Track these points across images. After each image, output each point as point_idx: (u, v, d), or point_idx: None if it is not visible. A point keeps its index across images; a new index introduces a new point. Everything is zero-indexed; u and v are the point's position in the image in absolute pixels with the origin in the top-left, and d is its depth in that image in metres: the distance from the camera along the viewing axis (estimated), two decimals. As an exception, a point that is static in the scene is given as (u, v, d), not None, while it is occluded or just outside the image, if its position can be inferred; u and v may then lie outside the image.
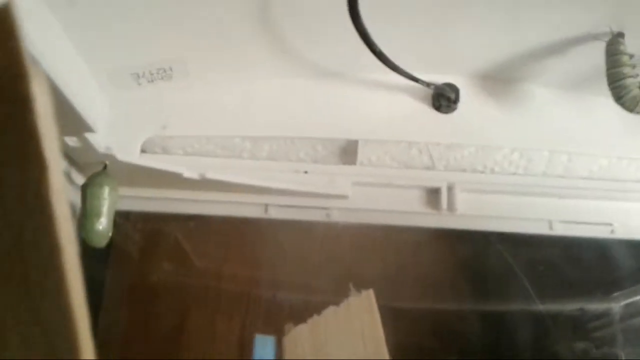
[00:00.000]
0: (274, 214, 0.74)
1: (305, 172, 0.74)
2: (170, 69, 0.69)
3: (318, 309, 0.69)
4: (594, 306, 0.96)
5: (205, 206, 0.74)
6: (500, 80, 0.77)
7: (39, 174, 0.26)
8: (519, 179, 0.76)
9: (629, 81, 0.63)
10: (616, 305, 0.96)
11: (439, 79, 0.76)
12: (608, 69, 0.65)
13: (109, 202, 0.60)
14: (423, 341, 0.81)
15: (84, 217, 0.59)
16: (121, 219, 0.83)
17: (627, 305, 0.96)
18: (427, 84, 0.71)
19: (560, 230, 0.75)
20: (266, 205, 0.74)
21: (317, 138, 0.76)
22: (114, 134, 0.69)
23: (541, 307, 0.94)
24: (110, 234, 0.61)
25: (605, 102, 0.67)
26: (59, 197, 0.26)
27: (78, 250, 0.28)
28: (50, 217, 0.26)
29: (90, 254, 0.79)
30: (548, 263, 0.92)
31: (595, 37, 0.66)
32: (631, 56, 0.64)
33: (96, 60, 0.63)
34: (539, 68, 0.74)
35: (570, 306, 0.96)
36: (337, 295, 0.71)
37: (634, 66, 0.64)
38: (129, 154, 0.70)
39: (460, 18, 0.66)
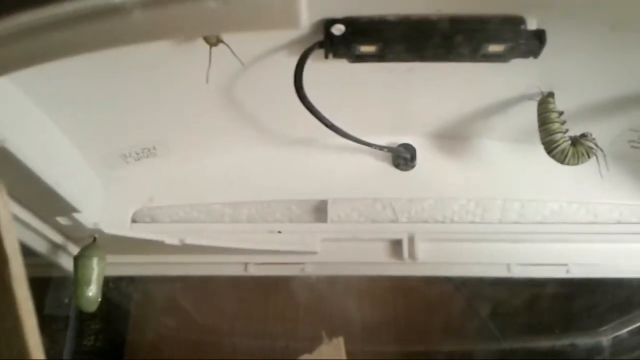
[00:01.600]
0: (253, 271, 0.82)
1: (279, 232, 0.82)
2: (154, 148, 0.78)
3: (294, 358, 0.76)
4: (584, 340, 0.99)
5: (190, 268, 0.82)
6: (453, 137, 0.84)
7: (1, 266, 0.34)
8: (477, 226, 0.82)
9: (558, 136, 0.70)
10: (605, 339, 1.00)
11: (398, 139, 0.84)
12: (540, 126, 0.72)
13: (97, 271, 0.68)
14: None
15: (75, 286, 0.68)
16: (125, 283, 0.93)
17: (615, 337, 1.00)
18: (381, 148, 0.79)
19: (518, 272, 0.81)
20: (246, 264, 0.82)
21: (291, 200, 0.84)
22: (108, 207, 0.79)
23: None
24: (99, 299, 0.69)
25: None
26: (19, 283, 0.35)
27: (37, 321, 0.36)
28: (13, 299, 0.34)
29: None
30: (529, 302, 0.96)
31: (529, 97, 0.73)
32: (560, 113, 0.71)
33: (88, 146, 0.73)
34: (488, 124, 0.81)
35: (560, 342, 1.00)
36: (313, 344, 0.78)
37: (563, 122, 0.71)
38: (121, 225, 0.79)
39: (410, 88, 0.73)
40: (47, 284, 0.82)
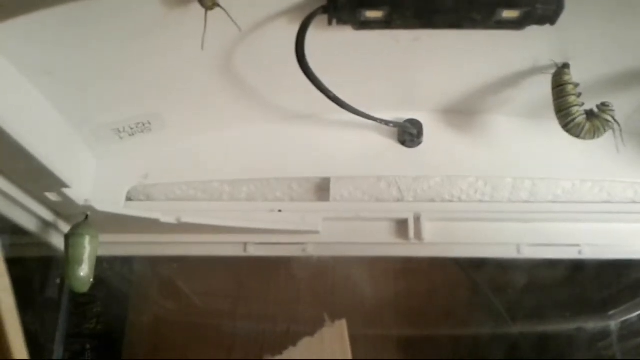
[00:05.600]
0: (253, 251, 0.79)
1: (280, 210, 0.79)
2: (149, 122, 0.75)
3: (295, 340, 0.73)
4: (592, 324, 0.97)
5: (187, 248, 0.79)
6: (462, 112, 0.81)
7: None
8: (486, 205, 0.79)
9: (574, 109, 0.67)
10: (614, 323, 0.97)
11: (404, 115, 0.80)
12: (555, 99, 0.68)
13: (89, 250, 0.65)
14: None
15: (66, 265, 0.65)
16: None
17: (624, 321, 0.97)
18: (387, 123, 0.75)
19: (528, 253, 0.77)
20: (245, 244, 0.79)
21: (292, 178, 0.81)
22: (101, 184, 0.76)
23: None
24: (91, 280, 0.66)
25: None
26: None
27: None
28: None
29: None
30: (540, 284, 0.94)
31: (542, 69, 0.70)
32: (576, 85, 0.67)
33: (79, 120, 0.70)
34: (497, 99, 0.77)
35: (568, 326, 0.97)
36: (315, 326, 0.75)
37: (578, 95, 0.67)
38: (115, 202, 0.76)
39: (417, 59, 0.70)
40: (38, 264, 0.79)
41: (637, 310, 0.95)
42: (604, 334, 0.95)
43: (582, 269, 0.89)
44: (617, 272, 0.91)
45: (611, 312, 0.97)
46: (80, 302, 0.89)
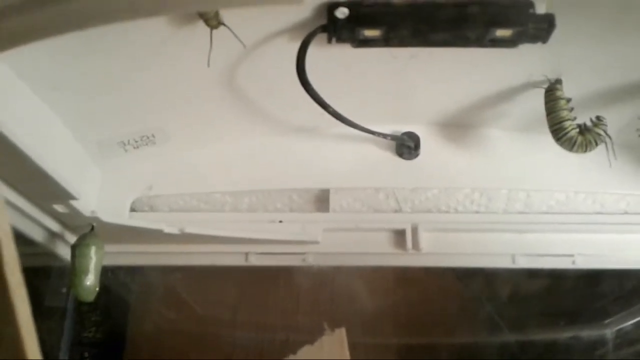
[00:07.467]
0: (254, 261, 0.81)
1: (280, 221, 0.80)
2: (153, 136, 0.77)
3: (295, 348, 0.75)
4: (588, 333, 0.98)
5: (190, 258, 0.81)
6: (458, 126, 0.83)
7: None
8: (481, 216, 0.81)
9: (566, 124, 0.69)
10: (609, 331, 0.98)
11: (402, 128, 0.82)
12: (547, 114, 0.70)
13: (95, 260, 0.67)
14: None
15: (73, 275, 0.66)
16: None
17: (619, 330, 0.98)
18: (385, 136, 0.77)
19: (523, 263, 0.79)
20: (247, 254, 0.81)
21: (293, 189, 0.83)
22: (106, 196, 0.78)
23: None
24: (97, 289, 0.68)
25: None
26: (11, 267, 0.33)
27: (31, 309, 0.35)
28: (5, 284, 0.33)
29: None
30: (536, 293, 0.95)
31: (535, 84, 0.72)
32: (568, 100, 0.69)
33: (85, 133, 0.72)
34: (493, 113, 0.80)
35: (564, 334, 0.98)
36: (315, 335, 0.77)
37: (571, 109, 0.69)
38: (119, 213, 0.78)
39: (414, 74, 0.71)
40: (44, 273, 0.81)
41: (632, 319, 0.96)
42: (600, 343, 0.96)
43: (577, 278, 0.90)
44: (612, 282, 0.93)
45: (607, 321, 0.98)
46: (80, 310, 0.90)
